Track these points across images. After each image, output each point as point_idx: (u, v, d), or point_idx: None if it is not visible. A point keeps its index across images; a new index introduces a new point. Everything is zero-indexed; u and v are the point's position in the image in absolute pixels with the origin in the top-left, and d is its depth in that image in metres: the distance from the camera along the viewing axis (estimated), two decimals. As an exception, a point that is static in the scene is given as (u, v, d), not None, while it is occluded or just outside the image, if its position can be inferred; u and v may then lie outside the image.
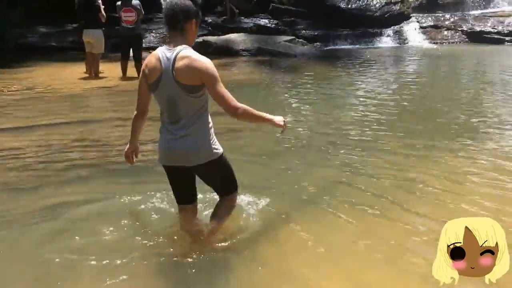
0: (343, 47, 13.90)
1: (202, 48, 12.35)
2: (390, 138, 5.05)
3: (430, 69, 10.70)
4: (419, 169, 4.10)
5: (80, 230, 3.08)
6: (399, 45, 14.14)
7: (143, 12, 8.99)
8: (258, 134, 5.04)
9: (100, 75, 9.05)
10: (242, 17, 14.56)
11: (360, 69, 10.33)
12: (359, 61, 11.41)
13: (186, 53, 2.46)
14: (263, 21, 14.52)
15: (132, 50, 8.85)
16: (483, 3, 16.46)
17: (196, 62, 2.44)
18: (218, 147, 2.67)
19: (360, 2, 14.54)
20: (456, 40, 14.46)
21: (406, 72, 10.21)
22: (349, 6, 14.52)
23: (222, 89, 2.47)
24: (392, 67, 10.97)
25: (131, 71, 8.83)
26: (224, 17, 14.45)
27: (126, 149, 2.91)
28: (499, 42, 13.97)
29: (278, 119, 2.72)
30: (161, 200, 3.39)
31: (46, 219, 3.26)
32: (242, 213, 3.17)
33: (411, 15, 15.06)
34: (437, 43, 14.26)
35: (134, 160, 2.95)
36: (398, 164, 4.25)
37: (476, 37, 14.27)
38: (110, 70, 9.28)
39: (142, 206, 3.35)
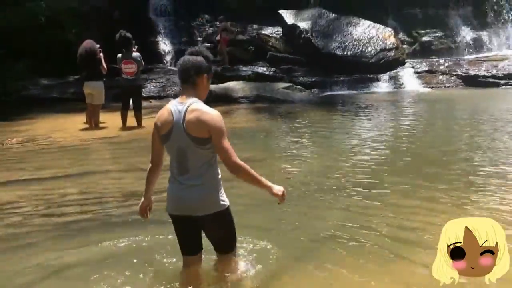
0: (340, 92, 14.11)
1: (202, 97, 12.59)
2: (390, 185, 5.02)
3: (427, 114, 10.79)
4: (421, 218, 4.05)
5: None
6: (395, 89, 14.36)
7: (144, 64, 9.18)
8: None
9: (101, 125, 9.13)
10: (241, 66, 14.87)
11: (358, 114, 10.44)
12: (356, 106, 11.55)
13: (196, 106, 2.58)
14: (261, 69, 14.80)
15: (132, 100, 8.98)
16: (476, 48, 16.87)
17: (205, 115, 2.56)
18: (225, 199, 2.72)
19: (355, 49, 14.88)
20: (451, 84, 14.69)
21: (403, 116, 10.30)
22: (345, 53, 14.86)
23: (227, 143, 2.57)
24: (389, 112, 11.09)
25: (131, 121, 8.91)
26: (223, 65, 14.76)
27: (140, 204, 2.93)
28: (494, 85, 14.20)
29: (278, 188, 2.70)
30: (162, 254, 3.33)
31: (39, 278, 3.19)
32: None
33: (406, 60, 15.38)
34: (432, 87, 14.49)
35: (149, 214, 2.96)
36: (398, 213, 4.20)
37: (471, 81, 14.51)
38: (111, 120, 9.36)
39: (142, 261, 3.29)
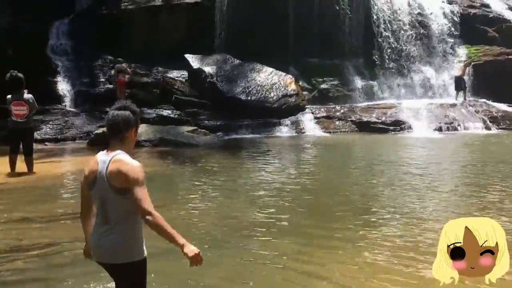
0: (244, 136, 14.42)
1: (103, 139, 12.13)
2: (289, 228, 5.17)
3: (324, 158, 11.38)
4: (317, 260, 4.20)
5: None
6: (296, 134, 15.00)
7: (37, 106, 8.70)
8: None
9: (-15, 170, 8.39)
10: (145, 108, 14.64)
11: (260, 157, 10.73)
12: (259, 150, 11.86)
13: (119, 158, 2.71)
14: (166, 112, 14.72)
15: (23, 144, 8.40)
16: (368, 96, 18.32)
17: (125, 166, 2.67)
18: (142, 250, 2.74)
19: (259, 95, 15.42)
20: (347, 129, 15.69)
21: (303, 159, 10.78)
22: (249, 98, 15.32)
23: (142, 192, 2.62)
24: (290, 155, 11.55)
25: (21, 166, 8.31)
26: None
27: (84, 247, 2.97)
28: (384, 131, 15.41)
29: (192, 249, 2.55)
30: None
31: None
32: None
33: (306, 106, 16.22)
34: (330, 132, 15.36)
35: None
36: (295, 255, 4.32)
37: (364, 127, 15.62)
38: (-2, 165, 8.65)
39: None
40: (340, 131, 15.54)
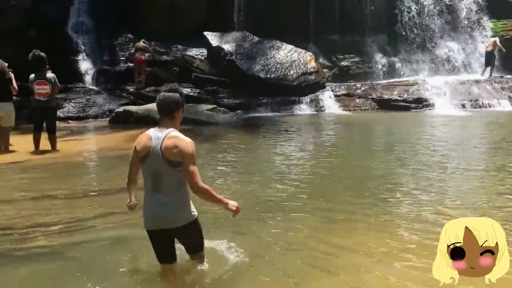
0: (264, 114, 14.40)
1: (124, 118, 12.29)
2: (310, 203, 5.19)
3: (344, 136, 11.31)
4: (343, 234, 4.22)
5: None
6: (316, 112, 14.90)
7: (59, 86, 8.83)
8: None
9: (10, 148, 8.60)
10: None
11: (280, 135, 10.71)
12: (278, 128, 11.83)
13: (174, 134, 3.07)
14: (186, 90, 14.70)
15: (46, 122, 8.56)
16: (389, 73, 18.01)
17: (181, 142, 3.03)
18: (194, 211, 3.22)
19: (278, 72, 15.32)
20: (367, 107, 15.52)
21: (323, 138, 10.71)
22: (268, 75, 15.24)
23: (194, 168, 3.04)
24: (309, 134, 11.48)
25: (45, 144, 8.49)
26: (137, 86, 14.67)
27: (128, 203, 3.33)
28: (406, 108, 15.18)
29: (232, 203, 3.19)
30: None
31: None
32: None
33: (326, 84, 16.06)
34: (350, 110, 15.21)
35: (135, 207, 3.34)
36: (319, 232, 4.35)
37: (385, 105, 15.42)
38: (22, 143, 8.85)
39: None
40: (361, 109, 15.37)
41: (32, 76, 8.41)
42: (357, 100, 15.74)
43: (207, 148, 9.38)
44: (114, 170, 6.94)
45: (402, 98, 15.61)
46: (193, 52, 16.67)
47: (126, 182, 3.37)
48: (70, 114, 13.23)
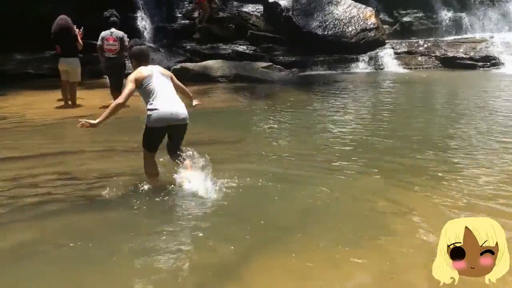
0: (319, 72, 14.12)
1: (180, 75, 12.42)
2: (368, 164, 5.11)
3: (406, 95, 10.91)
4: (404, 195, 4.18)
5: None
6: (374, 70, 14.42)
7: (127, 45, 9.01)
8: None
9: (78, 103, 8.98)
10: (220, 44, 14.72)
11: (337, 94, 10.49)
12: (335, 86, 11.59)
13: (158, 67, 4.54)
14: (241, 48, 14.69)
15: (112, 78, 8.82)
16: (455, 30, 16.98)
17: (165, 70, 4.61)
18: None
19: (336, 29, 14.84)
20: (430, 65, 14.82)
21: (382, 97, 10.39)
22: (325, 32, 14.81)
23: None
24: (368, 93, 11.16)
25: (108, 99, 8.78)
26: (200, 19, 14.68)
27: (89, 121, 4.08)
28: (472, 67, 14.37)
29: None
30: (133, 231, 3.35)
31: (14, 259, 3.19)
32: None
33: (386, 41, 15.41)
34: (411, 68, 14.59)
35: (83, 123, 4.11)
36: (378, 191, 4.31)
37: (449, 63, 14.66)
38: (88, 98, 9.21)
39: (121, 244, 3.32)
40: (422, 67, 14.72)
41: (103, 33, 8.65)
42: (419, 58, 15.05)
43: (262, 106, 9.33)
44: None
45: (468, 56, 14.76)
46: (249, 8, 16.42)
47: (117, 103, 4.09)
48: (129, 71, 13.54)
